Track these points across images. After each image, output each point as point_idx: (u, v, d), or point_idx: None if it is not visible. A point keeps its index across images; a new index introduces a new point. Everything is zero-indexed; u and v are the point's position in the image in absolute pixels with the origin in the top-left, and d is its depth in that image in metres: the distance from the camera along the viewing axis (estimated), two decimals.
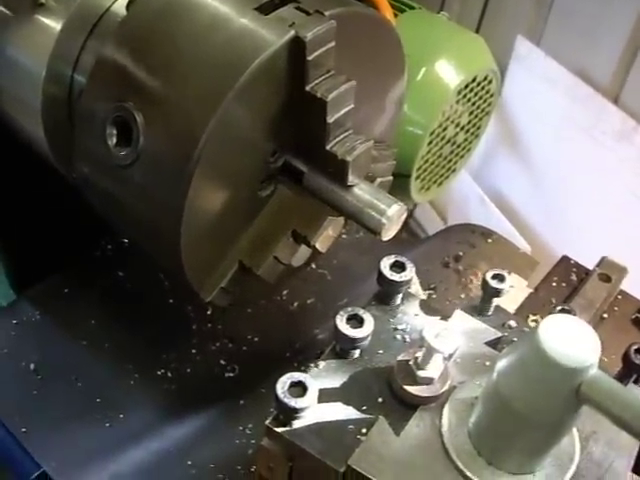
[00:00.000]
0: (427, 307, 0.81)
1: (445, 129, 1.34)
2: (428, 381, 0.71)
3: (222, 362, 1.19)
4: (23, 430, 1.10)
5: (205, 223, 0.87)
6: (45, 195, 1.18)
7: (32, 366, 1.17)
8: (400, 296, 0.82)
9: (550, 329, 0.61)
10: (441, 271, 1.33)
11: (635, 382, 0.95)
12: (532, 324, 1.10)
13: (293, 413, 0.69)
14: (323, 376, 0.74)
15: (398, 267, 0.80)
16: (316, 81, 0.85)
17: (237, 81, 0.80)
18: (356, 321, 0.75)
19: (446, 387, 0.72)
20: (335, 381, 0.73)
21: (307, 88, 0.84)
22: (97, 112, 0.88)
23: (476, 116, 1.41)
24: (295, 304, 1.26)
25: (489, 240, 1.40)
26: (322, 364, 0.75)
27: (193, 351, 1.21)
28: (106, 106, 0.87)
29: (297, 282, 1.22)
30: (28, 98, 0.96)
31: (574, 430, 0.71)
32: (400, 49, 0.99)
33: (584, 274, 1.22)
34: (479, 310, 0.83)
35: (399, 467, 0.67)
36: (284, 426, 0.70)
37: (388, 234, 0.89)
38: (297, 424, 0.70)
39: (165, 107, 0.83)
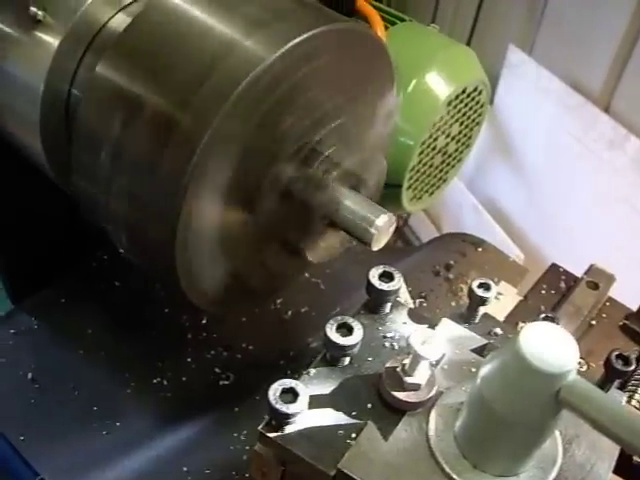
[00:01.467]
0: (415, 315, 0.83)
1: (436, 139, 1.36)
2: (415, 387, 0.73)
3: (217, 370, 1.20)
4: (21, 438, 1.12)
5: (200, 235, 0.89)
6: (42, 206, 1.19)
7: (30, 375, 1.19)
8: (389, 305, 0.83)
9: (531, 336, 0.63)
10: (432, 280, 1.35)
11: (620, 388, 0.98)
12: None
13: (285, 418, 0.71)
14: (314, 383, 0.75)
15: (386, 277, 0.82)
16: None
17: (230, 96, 0.82)
18: (345, 329, 0.77)
19: (433, 393, 0.74)
20: (325, 388, 0.75)
21: None
22: (94, 127, 0.90)
23: (466, 126, 1.42)
24: (289, 313, 1.28)
25: (479, 249, 1.42)
26: (313, 371, 0.77)
27: (188, 359, 1.23)
28: (102, 121, 0.89)
29: (291, 291, 1.23)
30: (27, 113, 0.98)
31: (557, 434, 0.73)
32: (389, 63, 1.01)
33: (572, 282, 1.24)
34: (466, 318, 0.85)
35: (387, 470, 0.69)
36: (276, 431, 0.72)
37: (378, 244, 0.91)
38: (289, 429, 0.72)
39: (159, 121, 0.85)
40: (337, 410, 0.73)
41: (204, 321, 1.26)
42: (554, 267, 1.28)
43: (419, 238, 2.49)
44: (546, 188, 2.20)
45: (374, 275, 0.82)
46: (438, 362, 0.77)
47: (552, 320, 0.81)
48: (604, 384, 0.84)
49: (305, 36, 0.86)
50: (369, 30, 0.98)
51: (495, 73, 2.17)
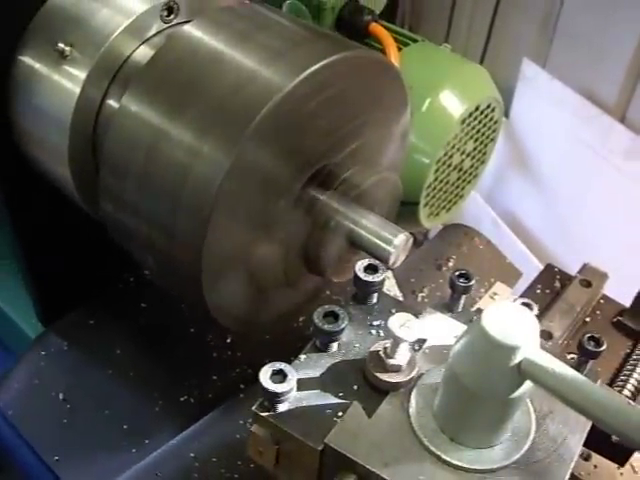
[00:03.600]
0: (401, 305, 0.87)
1: (451, 157, 1.39)
2: (397, 368, 0.78)
3: (242, 387, 1.23)
4: (55, 458, 1.16)
5: (224, 257, 0.93)
6: (70, 231, 1.23)
7: (61, 396, 1.22)
8: (375, 296, 0.88)
9: (493, 314, 0.68)
10: (434, 273, 1.38)
11: (610, 383, 1.02)
12: None
13: (275, 397, 0.75)
14: (304, 367, 0.79)
15: (371, 269, 0.87)
16: None
17: (251, 124, 0.85)
18: (332, 317, 0.81)
19: (413, 374, 0.78)
20: (315, 371, 0.80)
21: None
22: (120, 156, 0.94)
23: (481, 143, 1.45)
24: (311, 329, 1.30)
25: (481, 246, 1.43)
26: (303, 357, 0.82)
27: (214, 377, 1.25)
28: (128, 151, 0.93)
29: (313, 309, 1.26)
30: (56, 144, 1.02)
31: (531, 410, 0.78)
32: (402, 86, 1.04)
33: (567, 281, 1.25)
34: (449, 307, 0.89)
35: (371, 444, 0.73)
36: (269, 411, 0.76)
37: (395, 262, 0.94)
38: (280, 409, 0.76)
39: (182, 150, 0.89)
40: (325, 392, 0.78)
41: (229, 340, 1.28)
42: (549, 267, 1.30)
43: None
44: (563, 199, 2.21)
45: (360, 268, 0.86)
46: (420, 347, 0.82)
47: (529, 306, 0.84)
48: (579, 366, 0.87)
49: (321, 64, 0.89)
50: (381, 56, 1.01)
51: (510, 87, 2.19)
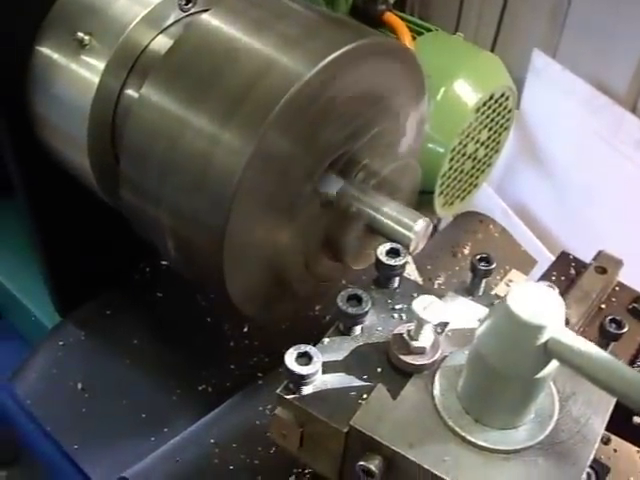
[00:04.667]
0: (422, 289, 0.88)
1: (465, 146, 1.39)
2: (421, 350, 0.78)
3: (260, 375, 1.23)
4: (75, 447, 1.16)
5: (246, 244, 0.93)
6: (87, 221, 1.23)
7: (79, 385, 1.23)
8: (397, 279, 0.88)
9: (519, 293, 0.68)
10: (450, 260, 1.38)
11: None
12: None
13: (300, 380, 0.76)
14: (328, 351, 0.80)
15: (393, 253, 0.87)
16: None
17: (272, 112, 0.86)
18: (355, 300, 0.81)
19: (437, 356, 0.78)
20: (339, 355, 0.80)
21: None
22: (141, 145, 0.94)
23: (495, 132, 1.46)
24: (327, 318, 1.31)
25: (496, 234, 1.43)
26: (327, 340, 0.81)
27: (232, 366, 1.26)
28: (149, 139, 0.93)
29: (329, 297, 1.27)
30: (74, 133, 1.02)
31: (554, 391, 0.78)
32: (420, 72, 1.04)
33: (582, 268, 1.26)
34: (470, 291, 0.89)
35: (395, 425, 0.73)
36: (293, 394, 0.77)
37: (416, 248, 0.94)
38: (305, 391, 0.77)
39: (204, 138, 0.89)
40: (349, 374, 0.78)
41: (245, 329, 1.29)
42: (564, 255, 1.30)
43: None
44: (575, 190, 2.20)
45: (382, 252, 0.87)
46: (443, 330, 0.82)
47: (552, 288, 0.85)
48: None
49: (339, 52, 0.90)
50: (399, 43, 1.02)
51: (520, 78, 2.18)
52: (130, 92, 1.01)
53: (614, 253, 1.27)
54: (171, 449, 1.09)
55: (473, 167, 1.46)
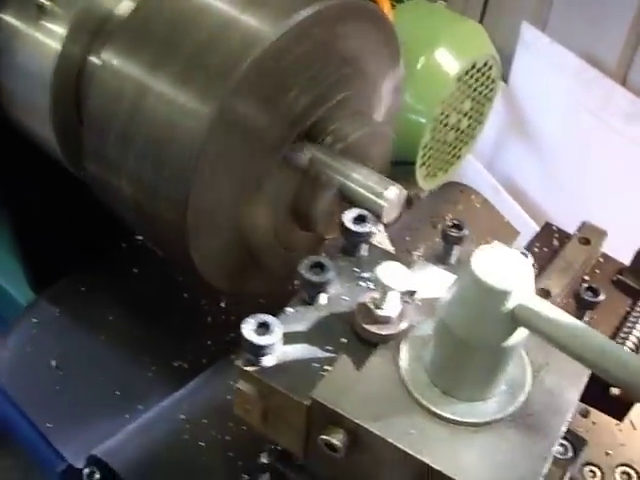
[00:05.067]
0: (391, 257, 0.84)
1: (447, 116, 1.36)
2: (386, 320, 0.74)
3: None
4: (48, 425, 1.14)
5: (210, 213, 0.90)
6: (61, 197, 1.21)
7: (54, 363, 1.21)
8: (365, 247, 0.84)
9: (483, 257, 0.65)
10: (429, 231, 1.34)
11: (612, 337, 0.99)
12: None
13: (259, 351, 0.71)
14: (290, 321, 0.76)
15: (360, 220, 0.83)
16: None
17: (235, 73, 0.83)
18: (319, 268, 0.78)
19: (404, 326, 0.75)
20: (302, 325, 0.77)
21: None
22: (103, 112, 0.91)
23: (478, 102, 1.43)
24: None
25: (477, 204, 1.40)
26: (290, 310, 0.78)
27: (208, 342, 1.23)
28: (111, 106, 0.90)
29: None
30: (37, 101, 0.99)
31: (526, 362, 0.75)
32: (394, 36, 1.01)
33: (565, 239, 1.23)
34: (441, 259, 0.86)
35: (359, 398, 0.70)
36: (253, 366, 0.73)
37: (389, 216, 0.91)
38: (265, 363, 0.72)
39: (166, 102, 0.86)
40: (312, 345, 0.75)
41: (223, 304, 1.26)
42: (547, 226, 1.27)
43: None
44: (564, 164, 2.17)
45: (348, 218, 0.83)
46: (411, 298, 0.78)
47: (525, 255, 0.81)
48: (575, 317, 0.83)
49: (307, 12, 0.86)
50: (372, 5, 0.98)
51: (509, 51, 2.14)
52: (94, 59, 0.98)
53: (602, 225, 1.25)
54: (141, 426, 1.07)
55: (456, 138, 1.43)
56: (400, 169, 1.35)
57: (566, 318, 0.64)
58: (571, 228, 1.29)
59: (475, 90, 1.39)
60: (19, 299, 1.36)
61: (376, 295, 0.75)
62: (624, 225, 1.58)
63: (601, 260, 1.22)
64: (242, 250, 0.97)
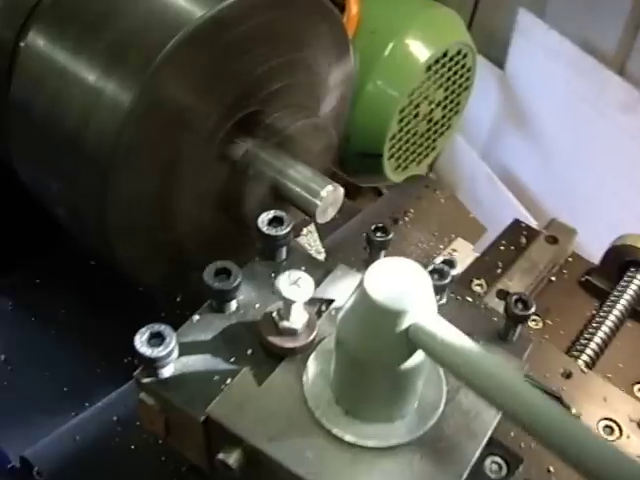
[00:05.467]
0: (313, 262, 0.79)
1: (418, 106, 1.30)
2: (291, 332, 0.70)
3: None
4: None
5: (133, 209, 0.86)
6: (13, 185, 1.17)
7: (2, 357, 1.17)
8: (284, 250, 0.79)
9: (378, 272, 0.59)
10: (390, 228, 1.27)
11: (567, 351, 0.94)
12: (476, 289, 1.07)
13: (152, 363, 0.68)
14: (196, 329, 0.72)
15: (277, 222, 0.78)
16: None
17: (156, 58, 0.78)
18: (225, 275, 0.73)
19: (312, 338, 0.70)
20: (207, 334, 0.72)
21: None
22: (24, 97, 0.87)
23: (453, 92, 1.37)
24: None
25: (442, 199, 1.34)
26: (196, 317, 0.74)
27: None
28: (32, 91, 0.86)
29: None
30: None
31: (443, 380, 0.70)
32: (340, 27, 0.96)
33: (534, 237, 1.18)
34: (367, 264, 0.80)
35: (256, 416, 0.66)
36: (150, 377, 0.69)
37: (323, 216, 0.86)
38: (165, 374, 0.69)
39: (85, 88, 0.82)
40: (215, 356, 0.71)
41: (178, 299, 1.22)
42: (516, 222, 1.22)
43: None
44: (560, 154, 2.12)
45: (263, 220, 0.77)
46: (326, 308, 0.73)
47: (450, 264, 0.75)
48: (507, 331, 0.77)
49: None
50: None
51: (505, 37, 2.10)
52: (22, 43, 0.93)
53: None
54: (72, 426, 1.03)
55: (429, 129, 1.37)
56: (366, 161, 1.30)
57: (464, 342, 0.58)
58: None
59: (448, 79, 1.33)
60: None
61: (281, 305, 0.69)
62: (619, 217, 1.52)
63: (570, 259, 1.17)
64: (171, 248, 0.93)
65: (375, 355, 0.61)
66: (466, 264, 1.15)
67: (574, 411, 0.78)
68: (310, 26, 0.92)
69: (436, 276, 0.72)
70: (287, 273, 0.67)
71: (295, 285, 0.66)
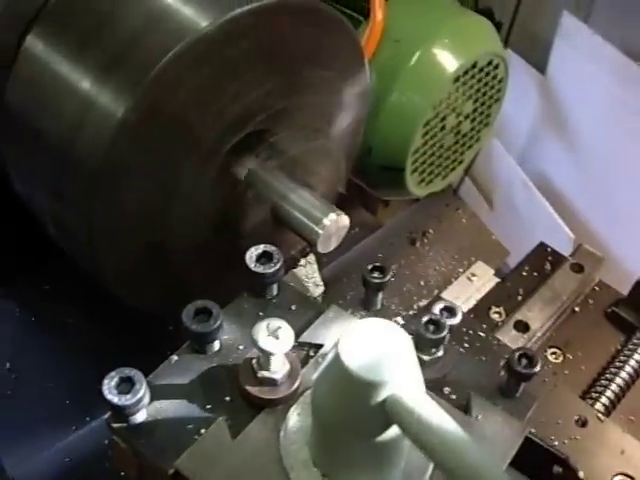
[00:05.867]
0: (304, 301, 0.73)
1: (444, 119, 1.24)
2: (271, 382, 0.65)
3: None
4: None
5: (122, 227, 0.82)
6: None
7: (8, 365, 1.15)
8: (275, 287, 0.74)
9: (354, 337, 0.54)
10: (406, 248, 1.22)
11: (583, 396, 0.88)
12: (494, 316, 1.02)
13: (120, 410, 0.63)
14: (173, 371, 0.68)
15: (266, 258, 0.72)
16: None
17: (152, 69, 0.74)
18: (205, 315, 0.68)
19: (294, 388, 0.65)
20: (184, 377, 0.68)
21: None
22: (17, 104, 0.84)
23: (482, 104, 1.30)
24: None
25: (464, 220, 1.27)
26: (175, 358, 0.70)
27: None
28: (25, 99, 0.83)
29: None
30: None
31: None
32: (355, 43, 0.90)
33: (560, 263, 1.11)
34: (365, 304, 0.75)
35: (228, 473, 0.61)
36: (121, 422, 0.64)
37: (325, 246, 0.81)
38: (137, 419, 0.64)
39: (77, 98, 0.78)
40: (192, 402, 0.66)
41: None
42: (541, 247, 1.15)
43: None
44: (601, 165, 2.04)
45: (251, 256, 0.72)
46: (314, 354, 0.68)
47: (451, 312, 0.69)
48: (510, 386, 0.70)
49: (246, 7, 0.76)
50: (324, 6, 0.86)
51: (548, 42, 2.02)
52: None
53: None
54: (64, 447, 1.01)
55: (456, 142, 1.31)
56: (388, 174, 1.25)
57: (445, 423, 0.51)
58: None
59: (478, 91, 1.27)
60: None
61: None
62: None
63: (596, 288, 1.10)
64: (164, 269, 0.89)
65: (349, 425, 0.55)
66: (486, 289, 1.10)
67: (582, 474, 0.72)
68: (320, 42, 0.87)
69: (431, 328, 0.67)
70: (265, 322, 0.62)
71: (273, 336, 0.61)
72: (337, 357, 0.53)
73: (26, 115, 0.83)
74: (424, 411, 0.51)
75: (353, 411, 0.54)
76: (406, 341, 0.54)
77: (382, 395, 0.52)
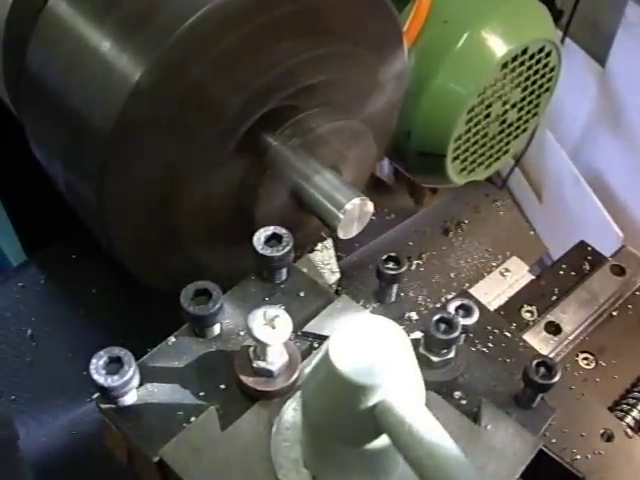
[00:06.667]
0: (314, 288, 0.69)
1: (489, 106, 1.19)
2: (267, 373, 0.61)
3: None
4: (12, 397, 1.08)
5: (133, 197, 0.79)
6: None
7: (29, 332, 1.14)
8: (284, 271, 0.70)
9: (347, 335, 0.49)
10: (438, 238, 1.16)
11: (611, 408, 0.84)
12: (525, 315, 0.97)
13: (108, 392, 0.60)
14: (169, 354, 0.65)
15: (275, 240, 0.68)
16: None
17: (173, 34, 0.71)
18: (205, 297, 0.65)
19: (292, 381, 0.62)
20: (181, 360, 0.65)
21: None
22: (38, 68, 0.82)
23: (532, 92, 1.25)
24: None
25: (501, 212, 1.21)
26: (172, 340, 0.67)
27: None
28: (46, 62, 0.80)
29: None
30: None
31: None
32: (393, 18, 0.85)
33: (600, 263, 1.06)
34: (379, 296, 0.71)
35: (212, 465, 0.58)
36: (110, 403, 0.62)
37: (346, 232, 0.77)
38: (126, 401, 0.62)
39: (100, 61, 0.75)
40: (184, 387, 0.63)
41: None
42: (582, 244, 1.10)
43: (518, 204, 2.32)
44: None
45: (259, 238, 0.68)
46: (319, 345, 0.64)
47: (468, 310, 0.64)
48: (524, 398, 0.66)
49: None
50: None
51: (610, 33, 1.95)
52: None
53: None
54: (70, 421, 0.99)
55: (502, 131, 1.26)
56: (428, 160, 1.20)
57: (436, 435, 0.47)
58: None
59: (527, 79, 1.21)
60: (11, 259, 1.29)
61: None
62: None
63: (638, 294, 1.04)
64: (175, 247, 0.86)
65: (338, 430, 0.51)
66: (519, 286, 1.05)
67: None
68: (357, 18, 0.82)
69: (443, 327, 0.62)
70: (262, 310, 0.58)
71: (269, 325, 0.57)
72: (327, 357, 0.49)
73: (47, 77, 0.81)
74: (416, 422, 0.47)
75: (341, 415, 0.51)
76: (403, 341, 0.50)
77: (372, 400, 0.48)
